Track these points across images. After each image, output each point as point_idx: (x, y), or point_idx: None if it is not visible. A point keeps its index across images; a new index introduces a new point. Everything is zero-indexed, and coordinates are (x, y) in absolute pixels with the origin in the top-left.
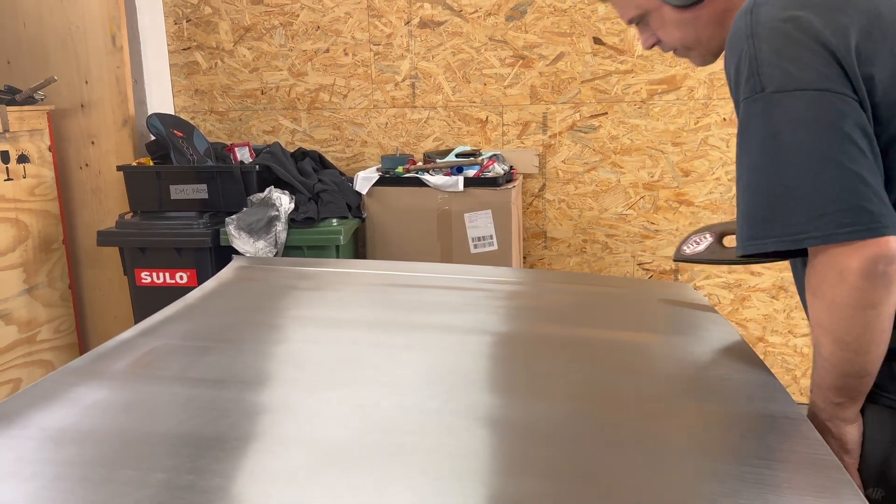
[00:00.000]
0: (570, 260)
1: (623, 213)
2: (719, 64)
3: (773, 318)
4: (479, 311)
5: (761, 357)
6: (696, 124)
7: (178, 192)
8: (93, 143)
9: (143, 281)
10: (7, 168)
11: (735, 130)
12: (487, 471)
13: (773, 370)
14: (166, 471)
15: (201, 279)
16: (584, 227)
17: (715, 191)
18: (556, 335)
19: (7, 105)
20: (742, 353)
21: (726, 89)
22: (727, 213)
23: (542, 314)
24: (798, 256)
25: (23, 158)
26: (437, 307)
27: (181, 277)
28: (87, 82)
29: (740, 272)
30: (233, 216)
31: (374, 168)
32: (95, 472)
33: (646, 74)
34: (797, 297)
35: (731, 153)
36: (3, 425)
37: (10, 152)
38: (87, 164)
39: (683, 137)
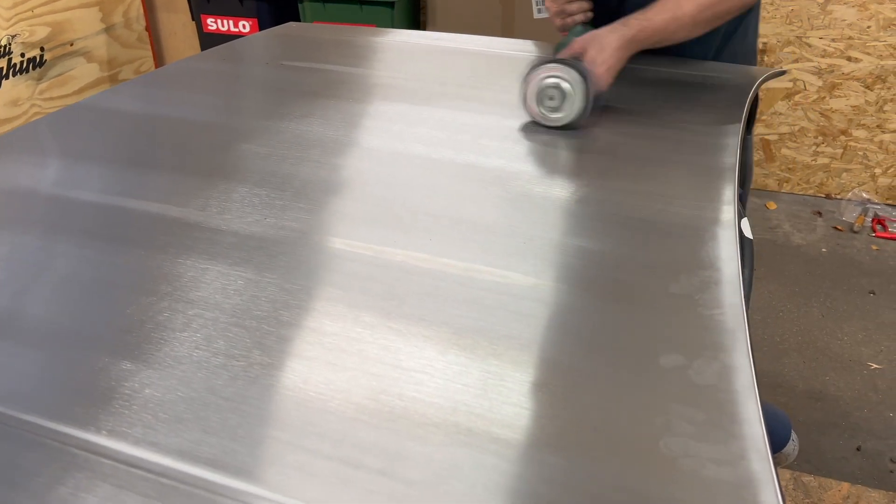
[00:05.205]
0: None
1: None
2: None
3: (863, 111)
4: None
5: (840, 151)
6: None
7: None
8: None
9: (210, 28)
10: None
11: None
12: None
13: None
14: None
15: (263, 28)
16: None
17: None
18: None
19: None
20: None
21: None
22: None
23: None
24: None
25: None
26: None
27: (244, 26)
28: None
29: (835, 56)
30: None
31: None
32: None
33: None
34: (894, 89)
35: None
36: None
37: None
38: None
39: None
